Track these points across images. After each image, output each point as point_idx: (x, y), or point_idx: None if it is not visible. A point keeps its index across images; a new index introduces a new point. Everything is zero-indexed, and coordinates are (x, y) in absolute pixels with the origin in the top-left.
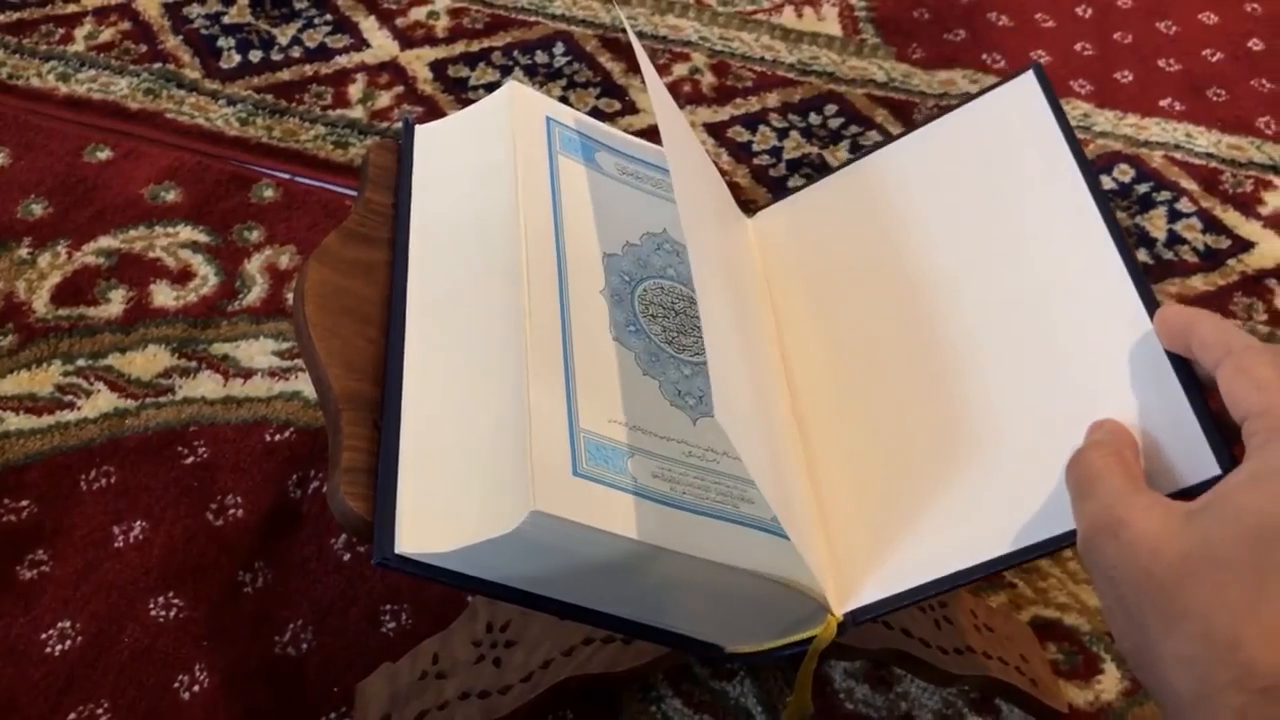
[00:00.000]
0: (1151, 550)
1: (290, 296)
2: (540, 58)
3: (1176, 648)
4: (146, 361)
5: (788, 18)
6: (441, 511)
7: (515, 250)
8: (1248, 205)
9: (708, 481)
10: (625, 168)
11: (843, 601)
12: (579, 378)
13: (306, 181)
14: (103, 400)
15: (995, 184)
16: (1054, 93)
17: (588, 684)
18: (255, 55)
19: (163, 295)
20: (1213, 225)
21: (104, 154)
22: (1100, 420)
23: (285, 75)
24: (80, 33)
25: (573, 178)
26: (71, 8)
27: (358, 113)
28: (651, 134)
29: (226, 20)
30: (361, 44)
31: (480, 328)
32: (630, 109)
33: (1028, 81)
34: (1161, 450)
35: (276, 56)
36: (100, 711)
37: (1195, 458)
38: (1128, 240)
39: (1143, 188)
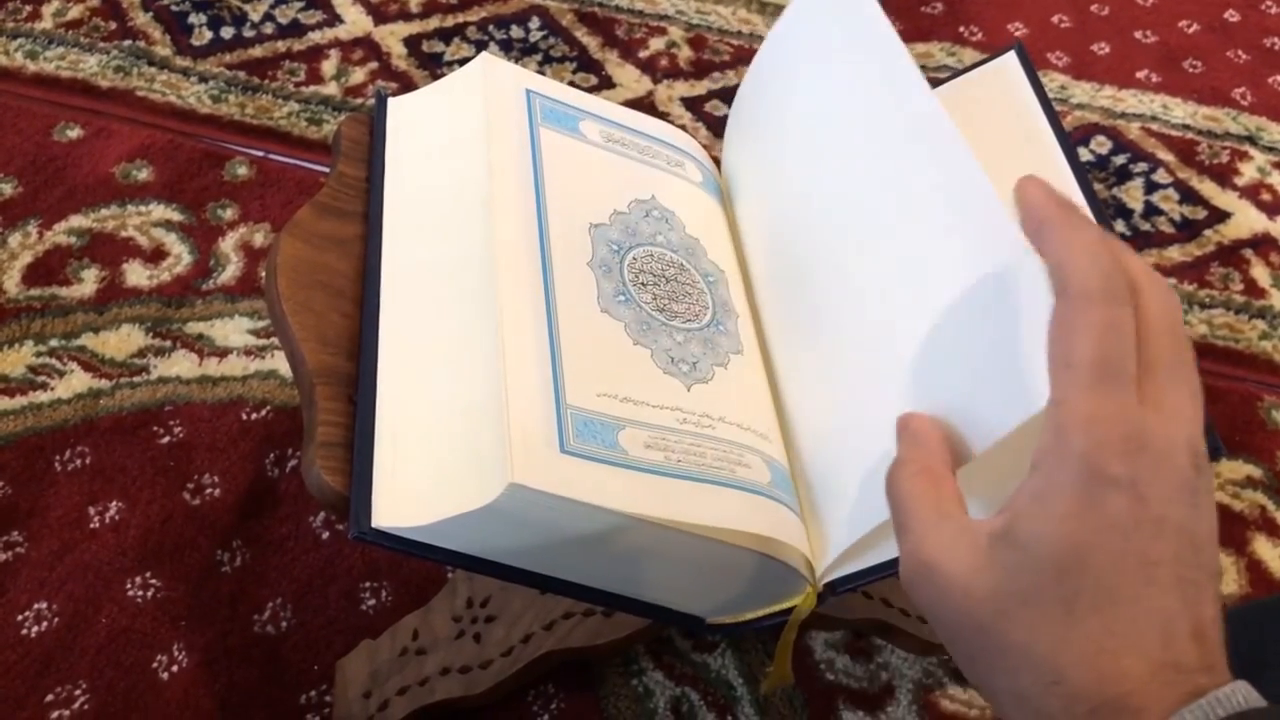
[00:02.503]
0: (963, 591)
1: (264, 273)
2: (515, 32)
3: (1005, 684)
4: (120, 341)
5: None
6: (418, 485)
7: (491, 227)
8: (1224, 176)
9: (704, 447)
10: (611, 135)
11: (822, 572)
12: (565, 353)
13: (280, 159)
14: (76, 381)
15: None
16: (1035, 72)
17: (568, 657)
18: (227, 32)
19: (136, 274)
20: (1189, 196)
21: (74, 132)
22: (905, 418)
23: (257, 52)
24: (48, 10)
25: (555, 149)
26: None
27: (331, 89)
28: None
29: None
30: (334, 19)
31: (457, 302)
32: (607, 83)
33: (1009, 61)
34: None
35: (248, 33)
36: (78, 692)
37: None
38: (1105, 212)
39: (1120, 159)
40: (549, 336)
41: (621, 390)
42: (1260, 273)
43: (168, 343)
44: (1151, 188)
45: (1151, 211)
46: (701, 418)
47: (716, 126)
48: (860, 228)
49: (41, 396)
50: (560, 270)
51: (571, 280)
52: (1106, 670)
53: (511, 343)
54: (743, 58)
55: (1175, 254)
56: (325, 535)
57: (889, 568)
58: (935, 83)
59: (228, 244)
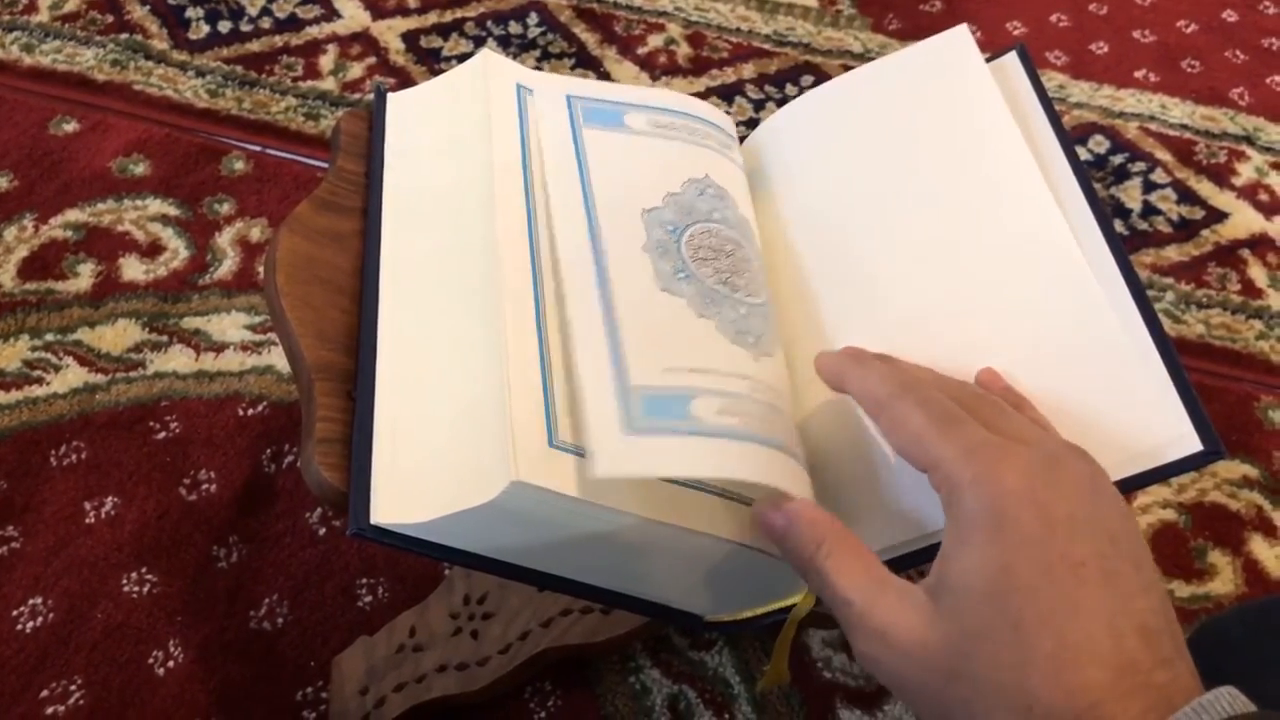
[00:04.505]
0: (921, 646)
1: (262, 270)
2: (514, 28)
3: None
4: (116, 336)
5: None
6: (417, 482)
7: (493, 223)
8: (1221, 176)
9: (773, 418)
10: (659, 121)
11: None
12: (625, 339)
13: (277, 154)
14: (72, 375)
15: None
16: (1036, 72)
17: (566, 655)
18: (224, 26)
19: (132, 269)
20: (1187, 196)
21: (70, 126)
22: (790, 509)
23: (255, 46)
24: (44, 2)
25: (602, 148)
26: None
27: (329, 84)
28: None
29: None
30: (332, 14)
31: (458, 299)
32: (605, 80)
33: (1010, 60)
34: (1142, 426)
35: (246, 27)
36: (74, 688)
37: (1177, 433)
38: (1106, 212)
39: (1118, 159)
40: (607, 326)
41: (689, 362)
42: (1257, 273)
43: (164, 338)
44: (1149, 187)
45: (1149, 211)
46: (769, 389)
47: None
48: (918, 236)
49: (37, 391)
50: (615, 259)
51: (626, 267)
52: (1072, 684)
53: (514, 339)
54: (741, 55)
55: (1173, 254)
56: (322, 531)
57: (891, 565)
58: None
59: (224, 239)
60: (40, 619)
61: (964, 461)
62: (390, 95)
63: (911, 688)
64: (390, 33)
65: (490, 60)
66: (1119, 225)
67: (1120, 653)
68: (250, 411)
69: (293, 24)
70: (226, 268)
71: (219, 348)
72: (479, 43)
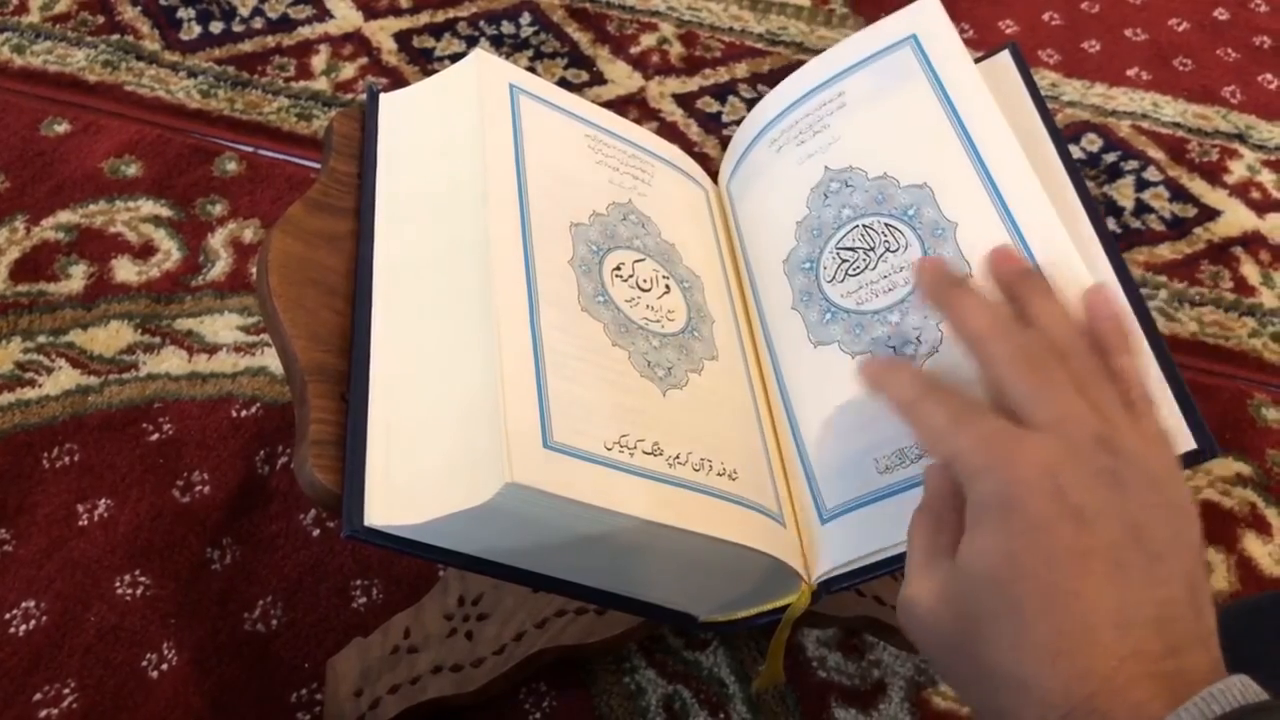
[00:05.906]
0: (935, 620)
1: (255, 270)
2: (506, 28)
3: (984, 703)
4: (109, 337)
5: None
6: (411, 483)
7: (487, 225)
8: (1214, 174)
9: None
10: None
11: (816, 569)
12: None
13: (270, 154)
14: (64, 377)
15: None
16: (1029, 70)
17: (561, 655)
18: (216, 26)
19: (124, 270)
20: (1180, 194)
21: (62, 127)
22: (928, 468)
23: (247, 46)
24: (35, 3)
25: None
26: None
27: (321, 84)
28: (618, 105)
29: None
30: (324, 14)
31: (451, 299)
32: (598, 79)
33: (1003, 59)
34: None
35: (238, 27)
36: (67, 691)
37: (1171, 431)
38: (1099, 210)
39: (1110, 157)
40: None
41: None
42: (1250, 270)
43: (157, 339)
44: (1142, 185)
45: (1142, 209)
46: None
47: (707, 123)
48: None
49: (29, 393)
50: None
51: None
52: (1067, 672)
53: (508, 341)
54: (734, 54)
55: (1165, 252)
56: (316, 533)
57: (884, 566)
58: None
59: (217, 240)
60: (33, 622)
61: (979, 450)
62: (383, 95)
63: (929, 654)
64: (383, 33)
65: (483, 60)
66: (1112, 224)
67: (1124, 643)
68: (244, 413)
69: (285, 24)
70: (219, 269)
71: (212, 349)
72: (472, 43)
